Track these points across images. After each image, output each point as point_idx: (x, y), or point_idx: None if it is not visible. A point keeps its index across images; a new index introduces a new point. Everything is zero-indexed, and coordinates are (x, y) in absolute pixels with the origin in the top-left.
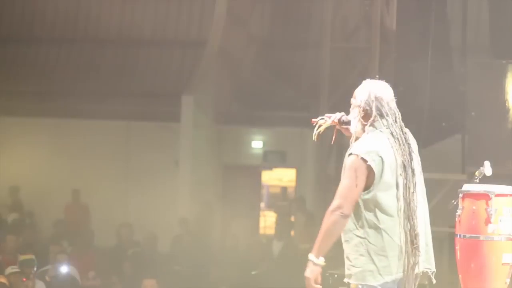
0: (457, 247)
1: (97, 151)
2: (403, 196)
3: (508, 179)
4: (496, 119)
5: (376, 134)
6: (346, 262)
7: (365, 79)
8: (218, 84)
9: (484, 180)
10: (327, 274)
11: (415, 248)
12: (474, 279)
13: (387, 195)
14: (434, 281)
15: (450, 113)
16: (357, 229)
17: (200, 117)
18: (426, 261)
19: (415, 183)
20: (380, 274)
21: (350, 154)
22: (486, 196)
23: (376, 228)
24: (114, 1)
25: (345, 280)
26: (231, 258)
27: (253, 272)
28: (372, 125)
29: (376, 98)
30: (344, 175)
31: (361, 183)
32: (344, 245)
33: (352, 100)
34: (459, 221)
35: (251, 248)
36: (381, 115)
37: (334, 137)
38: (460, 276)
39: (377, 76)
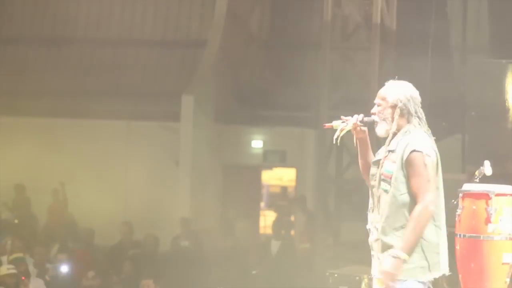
0: (457, 247)
1: (97, 151)
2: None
3: (508, 178)
4: (496, 119)
5: (421, 131)
6: (390, 258)
7: (365, 79)
8: (218, 84)
9: (484, 179)
10: (327, 273)
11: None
12: (474, 279)
13: (440, 192)
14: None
15: (450, 112)
16: None
17: (200, 117)
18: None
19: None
20: (429, 271)
21: (414, 150)
22: (486, 196)
23: (431, 225)
24: (114, 1)
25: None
26: (231, 257)
27: (253, 272)
28: (410, 123)
29: (411, 97)
30: (417, 172)
31: (434, 177)
32: (390, 241)
33: (381, 102)
34: (459, 220)
35: (251, 248)
36: (416, 115)
37: (355, 139)
38: (460, 275)
39: (396, 77)
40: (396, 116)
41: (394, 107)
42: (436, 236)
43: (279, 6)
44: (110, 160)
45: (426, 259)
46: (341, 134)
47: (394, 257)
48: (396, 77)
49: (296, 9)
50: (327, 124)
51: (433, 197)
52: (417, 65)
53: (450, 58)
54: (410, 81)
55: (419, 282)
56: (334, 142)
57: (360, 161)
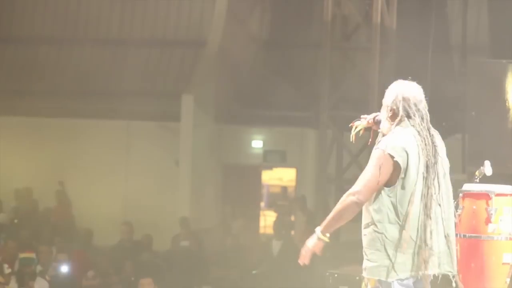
0: (457, 247)
1: (97, 151)
2: (423, 195)
3: (508, 178)
4: (496, 118)
5: (403, 132)
6: (364, 256)
7: (365, 79)
8: (218, 84)
9: (484, 179)
10: (327, 273)
11: (429, 248)
12: (474, 279)
13: (409, 192)
14: (454, 285)
15: (450, 112)
16: (375, 224)
17: (200, 117)
18: (447, 264)
19: (439, 185)
20: (394, 271)
21: (377, 148)
22: (486, 196)
23: (395, 224)
24: (114, 1)
25: (363, 274)
26: (231, 257)
27: (253, 272)
28: (399, 124)
29: (403, 98)
30: (368, 166)
31: (384, 177)
32: (363, 239)
33: (383, 100)
34: (460, 220)
35: (252, 248)
36: (408, 116)
37: (371, 137)
38: (460, 275)
39: (409, 77)
40: (386, 116)
41: (386, 107)
42: (400, 235)
43: (279, 6)
44: (110, 160)
45: (389, 258)
46: (355, 132)
47: (314, 232)
48: (410, 77)
49: (296, 9)
50: (354, 122)
51: (363, 191)
52: (417, 65)
53: (450, 58)
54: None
55: (382, 281)
56: (351, 139)
57: None
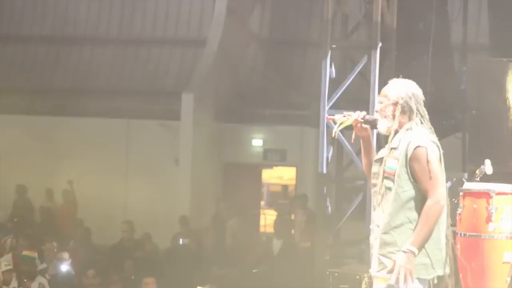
0: (458, 246)
1: (97, 149)
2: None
3: (509, 177)
4: (497, 117)
5: (423, 129)
6: (387, 256)
7: (365, 78)
8: (218, 82)
9: (485, 178)
10: (328, 272)
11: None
12: (474, 278)
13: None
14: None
15: (450, 111)
16: (410, 222)
17: (200, 115)
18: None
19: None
20: (433, 268)
21: (418, 146)
22: (486, 195)
23: None
24: (114, 0)
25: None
26: (231, 256)
27: (253, 271)
28: (412, 120)
29: (413, 95)
30: (423, 168)
31: (441, 171)
32: (390, 239)
33: (383, 99)
34: (460, 219)
35: (252, 247)
36: (418, 112)
37: (353, 135)
38: (460, 274)
39: (400, 75)
40: (397, 113)
41: (395, 104)
42: (438, 233)
43: (279, 5)
44: (110, 158)
45: (429, 256)
46: (340, 128)
47: (405, 252)
48: (401, 75)
49: (296, 8)
50: (329, 117)
51: (443, 191)
52: (417, 64)
53: (451, 57)
54: (410, 80)
55: (421, 279)
56: (333, 135)
57: (363, 160)
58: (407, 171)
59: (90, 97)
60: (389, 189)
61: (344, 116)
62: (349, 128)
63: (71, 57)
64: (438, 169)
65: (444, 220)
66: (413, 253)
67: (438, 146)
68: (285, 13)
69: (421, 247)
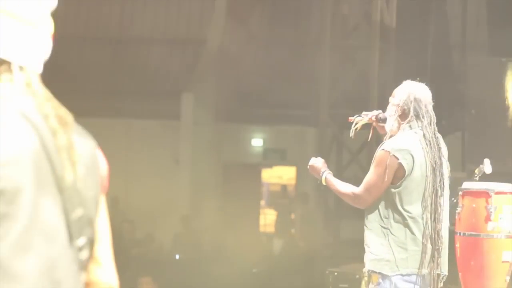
0: (457, 245)
1: None
2: (430, 197)
3: (508, 176)
4: (496, 117)
5: (410, 133)
6: (366, 249)
7: (365, 77)
8: (218, 82)
9: (484, 177)
10: (327, 272)
11: (437, 250)
12: (474, 277)
13: (414, 193)
14: (441, 285)
15: (450, 111)
16: (381, 219)
17: (200, 115)
18: (444, 264)
19: (443, 187)
20: (396, 266)
21: (382, 149)
22: (485, 194)
23: (400, 223)
24: (114, 0)
25: (365, 269)
26: (231, 256)
27: (253, 270)
28: (408, 124)
29: (415, 99)
30: (372, 169)
31: (389, 179)
32: (366, 233)
33: (391, 99)
34: (459, 219)
35: (252, 246)
36: (418, 117)
37: (371, 134)
38: (460, 274)
39: (418, 78)
40: (396, 115)
41: (397, 106)
42: (405, 234)
43: (278, 5)
44: (110, 159)
45: (393, 254)
46: (355, 127)
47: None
48: (418, 78)
49: (296, 8)
50: (350, 118)
51: (366, 196)
52: (416, 64)
53: (450, 56)
54: (409, 79)
55: (384, 275)
56: (350, 135)
57: None
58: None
59: (90, 97)
60: None
61: (360, 116)
62: (367, 127)
63: (70, 56)
64: (378, 175)
65: (419, 226)
66: (323, 173)
67: (412, 156)
68: (284, 13)
69: (327, 183)
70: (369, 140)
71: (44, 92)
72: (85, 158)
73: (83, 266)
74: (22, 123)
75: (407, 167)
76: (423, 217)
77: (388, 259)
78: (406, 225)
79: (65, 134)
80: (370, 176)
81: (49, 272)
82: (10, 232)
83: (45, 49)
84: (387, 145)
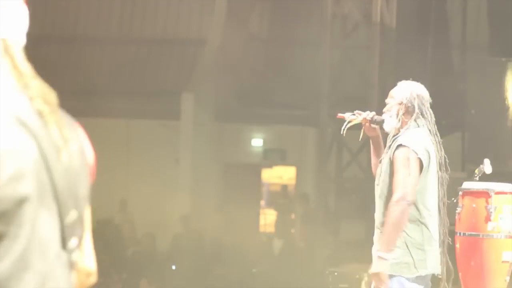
0: (457, 245)
1: (97, 150)
2: (438, 194)
3: (508, 176)
4: (495, 117)
5: (420, 130)
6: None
7: (365, 77)
8: (218, 82)
9: (484, 177)
10: (327, 272)
11: (445, 247)
12: (474, 277)
13: (430, 190)
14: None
15: (450, 111)
16: None
17: (200, 115)
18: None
19: (445, 183)
20: (415, 267)
21: (400, 145)
22: (485, 194)
23: (417, 222)
24: (114, 0)
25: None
26: (231, 256)
27: (253, 270)
28: (414, 121)
29: (418, 96)
30: (398, 167)
31: (416, 172)
32: (375, 238)
33: (389, 100)
34: (459, 219)
35: (252, 246)
36: (422, 113)
37: (362, 134)
38: (460, 274)
39: (410, 78)
40: (401, 112)
41: (400, 104)
42: (421, 233)
43: (278, 4)
44: (110, 159)
45: (411, 255)
46: (348, 126)
47: (378, 257)
48: (411, 78)
49: (296, 8)
50: (340, 114)
51: (408, 192)
52: (416, 63)
53: (450, 56)
54: (409, 79)
55: (403, 278)
56: (341, 132)
57: (372, 160)
58: (391, 169)
59: (89, 97)
60: None
61: (354, 114)
62: (356, 127)
63: (70, 56)
64: (410, 170)
65: (431, 223)
66: (382, 258)
67: (427, 151)
68: (284, 13)
69: (388, 249)
70: (360, 140)
71: (28, 70)
72: (74, 147)
73: (74, 265)
74: (20, 133)
75: (425, 162)
76: (440, 213)
77: (407, 262)
78: (422, 223)
79: (59, 129)
80: (399, 173)
81: (43, 286)
82: (10, 252)
83: (23, 18)
84: (404, 141)
